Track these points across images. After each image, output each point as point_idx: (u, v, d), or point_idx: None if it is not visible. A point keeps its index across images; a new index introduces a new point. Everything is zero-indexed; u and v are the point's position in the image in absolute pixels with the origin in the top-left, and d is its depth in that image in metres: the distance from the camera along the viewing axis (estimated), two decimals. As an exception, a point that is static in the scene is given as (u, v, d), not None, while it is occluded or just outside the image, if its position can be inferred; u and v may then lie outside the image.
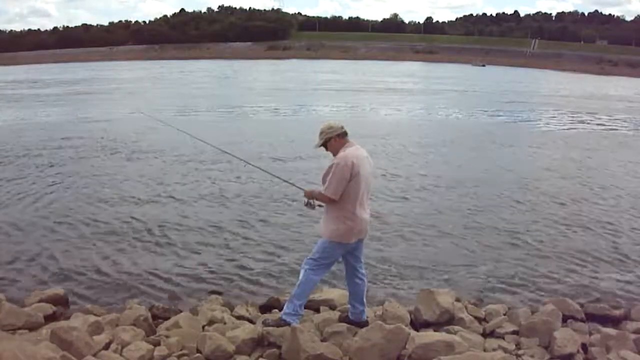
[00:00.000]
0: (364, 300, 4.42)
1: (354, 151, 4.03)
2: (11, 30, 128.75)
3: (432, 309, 4.51)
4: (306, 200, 4.27)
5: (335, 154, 4.13)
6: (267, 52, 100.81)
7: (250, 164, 6.14)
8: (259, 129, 17.24)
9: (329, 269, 4.42)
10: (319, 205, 4.22)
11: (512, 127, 19.31)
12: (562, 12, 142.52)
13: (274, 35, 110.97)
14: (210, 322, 4.50)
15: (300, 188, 4.52)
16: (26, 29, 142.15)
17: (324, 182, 4.03)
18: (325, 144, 4.13)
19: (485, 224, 8.06)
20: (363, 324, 4.32)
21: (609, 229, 7.90)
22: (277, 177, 5.66)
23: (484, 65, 79.68)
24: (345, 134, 4.10)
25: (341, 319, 4.44)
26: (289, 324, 4.07)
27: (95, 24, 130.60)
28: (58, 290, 5.34)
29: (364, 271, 4.40)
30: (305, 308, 4.77)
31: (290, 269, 6.25)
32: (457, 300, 4.98)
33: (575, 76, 63.08)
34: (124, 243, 7.04)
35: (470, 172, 11.54)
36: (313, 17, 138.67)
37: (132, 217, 8.09)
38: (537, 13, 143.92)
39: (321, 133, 4.12)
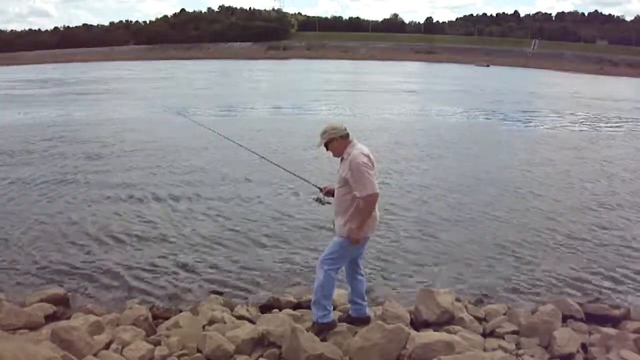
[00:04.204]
0: (365, 296, 4.48)
1: (362, 147, 4.06)
2: (12, 30, 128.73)
3: (432, 309, 4.52)
4: (316, 197, 4.40)
5: (336, 155, 4.16)
6: (267, 52, 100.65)
7: (262, 156, 6.08)
8: (260, 127, 17.24)
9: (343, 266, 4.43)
10: (328, 203, 4.29)
11: (521, 129, 19.26)
12: (562, 12, 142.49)
13: (274, 35, 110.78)
14: (211, 322, 4.51)
15: (315, 185, 4.59)
16: (26, 29, 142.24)
17: (344, 184, 4.01)
18: (326, 144, 4.14)
19: (485, 224, 8.07)
20: (366, 319, 4.37)
21: (608, 229, 7.91)
22: (293, 173, 5.58)
23: (488, 66, 78.63)
24: (347, 135, 4.12)
25: (342, 319, 4.45)
26: (328, 323, 4.17)
27: (95, 24, 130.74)
28: (58, 290, 5.37)
29: (362, 267, 4.46)
30: (304, 308, 4.80)
31: (291, 268, 6.27)
32: (457, 300, 4.98)
33: (577, 76, 62.98)
34: (125, 243, 7.05)
35: (472, 174, 11.54)
36: (313, 17, 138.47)
37: (132, 217, 8.11)
38: (537, 13, 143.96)
39: (324, 133, 4.12)
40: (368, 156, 3.97)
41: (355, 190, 3.92)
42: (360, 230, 3.97)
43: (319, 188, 4.52)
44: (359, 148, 4.03)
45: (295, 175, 5.36)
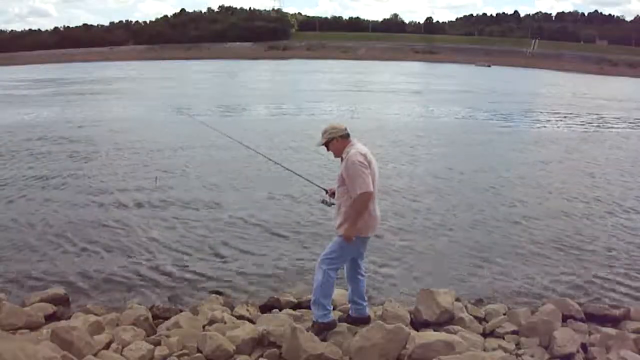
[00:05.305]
0: (365, 296, 4.48)
1: (361, 147, 4.07)
2: (12, 30, 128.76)
3: (432, 309, 4.52)
4: (322, 199, 4.42)
5: (337, 155, 4.17)
6: (267, 52, 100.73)
7: (269, 158, 6.07)
8: (262, 127, 17.23)
9: (343, 266, 4.42)
10: (333, 204, 4.29)
11: (524, 130, 19.26)
12: (562, 12, 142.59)
13: (274, 35, 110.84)
14: (211, 322, 4.51)
15: (320, 187, 4.62)
16: (26, 29, 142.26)
17: (343, 183, 4.02)
18: (327, 144, 4.16)
19: (484, 224, 8.07)
20: (366, 320, 4.37)
21: (608, 229, 7.91)
22: (297, 174, 5.59)
23: (489, 66, 78.25)
24: (347, 135, 4.13)
25: (342, 319, 4.45)
26: (328, 323, 4.16)
27: (95, 24, 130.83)
28: (58, 290, 5.36)
29: (364, 268, 4.45)
30: (304, 308, 4.80)
31: (291, 268, 6.26)
32: (457, 300, 4.98)
33: (577, 76, 63.00)
34: (125, 243, 7.05)
35: (471, 174, 11.55)
36: (313, 17, 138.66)
37: (133, 218, 8.10)
38: (537, 13, 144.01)
39: (324, 132, 4.16)
40: (365, 155, 3.96)
41: (350, 188, 3.94)
42: (352, 228, 3.95)
43: (324, 190, 4.53)
44: (358, 147, 4.04)
45: (301, 176, 5.35)
